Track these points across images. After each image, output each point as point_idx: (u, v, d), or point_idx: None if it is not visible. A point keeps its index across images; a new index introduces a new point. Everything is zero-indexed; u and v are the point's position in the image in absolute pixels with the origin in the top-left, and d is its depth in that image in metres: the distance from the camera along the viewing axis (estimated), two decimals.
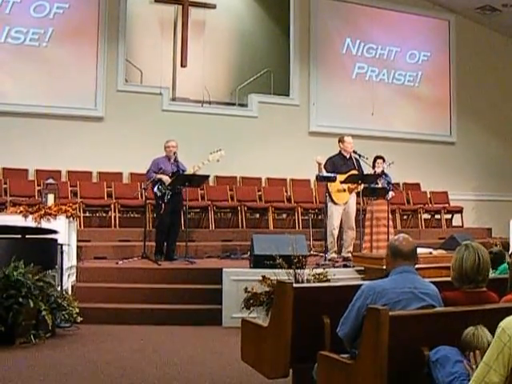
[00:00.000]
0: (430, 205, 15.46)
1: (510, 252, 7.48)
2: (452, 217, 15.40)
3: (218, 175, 13.75)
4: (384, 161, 11.23)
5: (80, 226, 11.42)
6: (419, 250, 4.86)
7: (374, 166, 11.14)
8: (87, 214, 12.42)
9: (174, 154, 10.59)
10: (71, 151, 12.92)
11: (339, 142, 10.85)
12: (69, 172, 12.99)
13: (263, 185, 14.46)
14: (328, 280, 8.08)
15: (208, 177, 11.36)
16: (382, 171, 11.08)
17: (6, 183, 12.16)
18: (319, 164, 10.52)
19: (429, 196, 15.67)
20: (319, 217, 13.28)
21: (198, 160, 10.55)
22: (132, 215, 12.80)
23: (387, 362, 3.47)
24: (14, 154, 12.54)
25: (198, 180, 10.84)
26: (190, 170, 10.45)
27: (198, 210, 13.02)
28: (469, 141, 16.78)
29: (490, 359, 2.98)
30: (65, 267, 8.61)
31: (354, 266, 9.68)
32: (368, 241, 10.70)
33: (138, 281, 9.37)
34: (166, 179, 10.32)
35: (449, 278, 4.17)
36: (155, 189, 10.38)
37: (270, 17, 16.22)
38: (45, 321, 7.20)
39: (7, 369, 6.15)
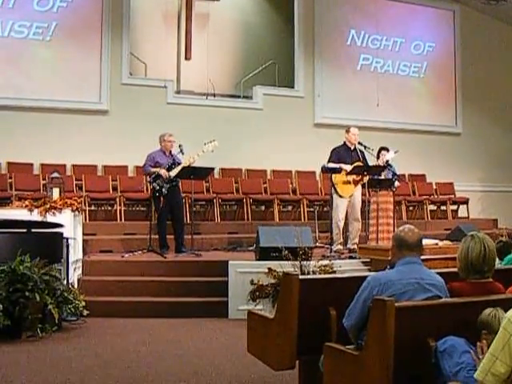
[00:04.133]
0: (436, 196, 15.45)
1: None
2: (458, 208, 15.38)
3: (223, 167, 13.74)
4: (388, 152, 11.18)
5: (85, 219, 11.44)
6: (425, 241, 4.85)
7: (378, 158, 11.10)
8: (92, 208, 12.44)
9: (180, 146, 10.58)
10: (76, 145, 12.92)
11: (346, 132, 10.84)
12: (74, 166, 13.00)
13: (268, 177, 14.45)
14: (334, 272, 8.08)
15: (213, 169, 11.34)
16: (387, 162, 11.04)
17: (11, 177, 12.16)
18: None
19: (434, 187, 15.65)
20: (325, 208, 13.27)
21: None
22: (137, 208, 12.81)
23: (393, 353, 3.46)
24: (19, 148, 12.55)
25: (203, 172, 10.83)
26: (185, 162, 10.43)
27: (203, 203, 13.03)
28: (474, 131, 16.73)
29: (496, 350, 2.98)
30: (71, 261, 8.62)
31: (359, 258, 9.66)
32: (374, 232, 10.68)
33: (143, 274, 9.38)
34: (164, 173, 10.31)
35: (455, 269, 4.16)
36: (153, 183, 10.37)
37: (274, 8, 16.19)
38: (51, 314, 7.22)
39: (14, 362, 6.17)
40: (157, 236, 10.57)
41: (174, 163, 10.46)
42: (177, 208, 10.58)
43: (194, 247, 10.37)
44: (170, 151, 10.64)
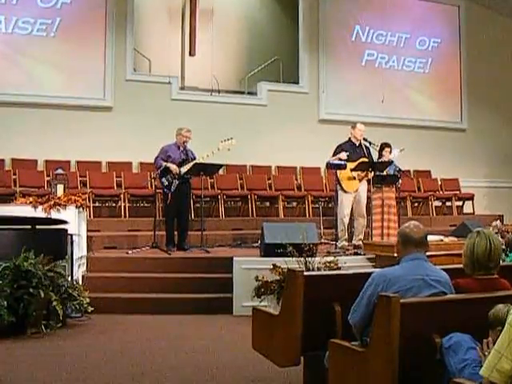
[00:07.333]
0: (441, 192, 15.41)
1: None
2: (463, 204, 15.34)
3: (227, 164, 13.69)
4: (391, 148, 11.13)
5: (90, 216, 11.45)
6: (430, 238, 4.83)
7: (380, 154, 11.02)
8: (97, 204, 12.44)
9: (184, 142, 10.51)
10: (80, 141, 12.93)
11: (351, 128, 10.79)
12: (78, 162, 13.01)
13: (273, 173, 14.44)
14: (339, 268, 8.05)
15: (222, 166, 11.33)
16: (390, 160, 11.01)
17: (15, 174, 12.18)
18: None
19: (440, 183, 15.61)
20: (329, 205, 13.25)
21: (206, 149, 10.46)
22: (141, 205, 12.81)
23: (398, 350, 3.45)
24: (23, 145, 12.57)
25: (213, 169, 10.77)
26: (199, 159, 10.37)
27: (207, 199, 13.00)
28: (480, 127, 16.69)
29: (502, 346, 2.96)
30: (75, 257, 8.63)
31: (364, 254, 9.64)
32: (377, 228, 10.63)
33: (148, 270, 9.38)
34: (174, 168, 10.24)
35: (460, 265, 4.15)
36: (163, 178, 10.31)
37: (279, 4, 16.18)
38: (55, 311, 7.22)
39: (18, 359, 6.17)
40: (161, 232, 10.55)
41: (187, 159, 10.37)
42: (183, 205, 10.52)
43: (202, 244, 10.38)
44: (185, 146, 10.56)
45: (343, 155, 10.38)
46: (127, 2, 13.76)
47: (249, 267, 8.60)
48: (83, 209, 9.46)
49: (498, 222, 11.27)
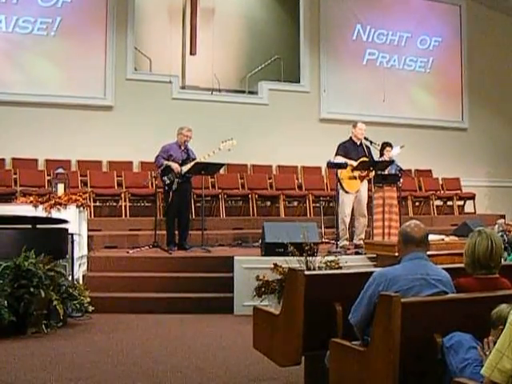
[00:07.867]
0: (442, 191, 15.41)
1: None
2: (464, 203, 15.33)
3: (228, 163, 13.68)
4: (392, 148, 11.11)
5: (90, 215, 11.44)
6: (431, 237, 4.82)
7: (381, 154, 11.00)
8: (97, 204, 12.44)
9: (185, 141, 10.51)
10: (81, 140, 12.92)
11: (352, 127, 10.77)
12: (79, 161, 12.99)
13: (274, 172, 14.42)
14: (340, 267, 8.06)
15: (223, 165, 11.32)
16: (391, 158, 10.99)
17: (15, 173, 12.17)
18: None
19: (441, 182, 15.61)
20: (331, 204, 13.24)
21: (207, 148, 10.46)
22: (142, 204, 12.79)
23: (399, 349, 3.44)
24: (24, 144, 12.56)
25: (214, 168, 10.76)
26: (200, 159, 10.36)
27: (208, 199, 12.98)
28: (481, 126, 16.68)
29: (503, 346, 2.94)
30: (76, 257, 8.61)
31: (365, 253, 9.63)
32: (379, 228, 10.63)
33: (148, 270, 9.37)
34: (176, 167, 10.23)
35: (461, 265, 4.14)
36: (164, 177, 10.29)
37: (280, 3, 16.17)
38: (56, 310, 7.22)
39: (19, 358, 6.16)
40: (162, 232, 10.53)
41: (188, 158, 10.37)
42: (184, 204, 10.51)
43: (203, 243, 10.38)
44: (186, 146, 10.55)
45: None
46: (128, 0, 13.74)
47: (250, 266, 8.60)
48: (84, 208, 9.44)
49: (502, 220, 11.26)
